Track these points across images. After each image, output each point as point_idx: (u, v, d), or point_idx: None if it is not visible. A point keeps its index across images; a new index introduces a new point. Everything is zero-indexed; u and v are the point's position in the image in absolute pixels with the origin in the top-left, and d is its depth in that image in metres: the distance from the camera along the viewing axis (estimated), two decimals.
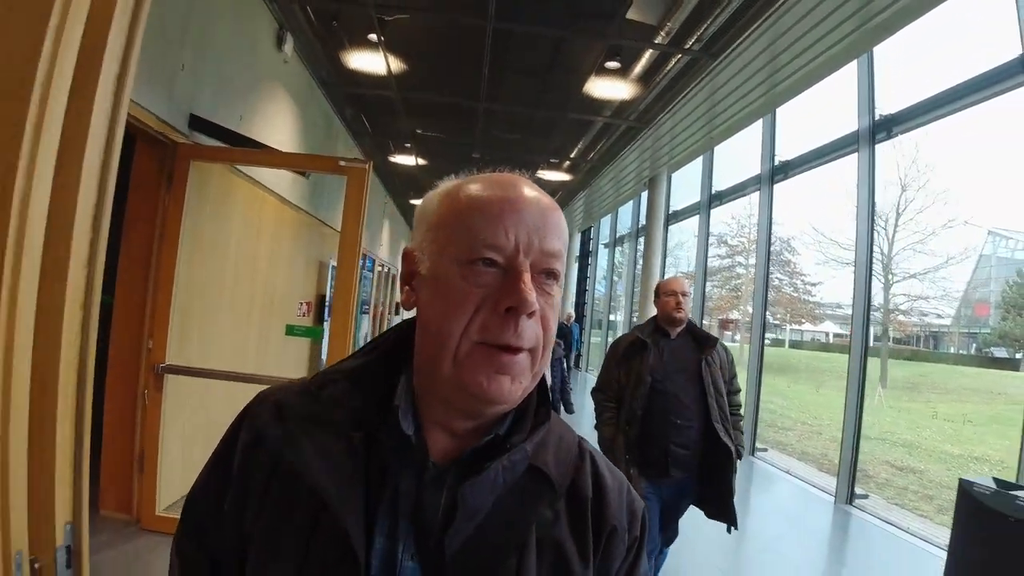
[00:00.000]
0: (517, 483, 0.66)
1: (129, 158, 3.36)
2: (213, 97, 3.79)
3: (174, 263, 3.42)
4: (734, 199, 9.16)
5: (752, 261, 9.56)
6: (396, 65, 5.80)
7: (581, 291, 17.59)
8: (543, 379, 0.70)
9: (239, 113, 4.20)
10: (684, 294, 2.88)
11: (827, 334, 14.09)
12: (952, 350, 11.06)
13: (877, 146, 5.80)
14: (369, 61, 5.68)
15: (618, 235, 14.98)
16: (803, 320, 13.67)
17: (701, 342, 2.91)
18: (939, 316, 10.63)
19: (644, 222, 10.62)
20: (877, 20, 4.35)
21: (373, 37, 5.13)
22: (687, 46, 4.90)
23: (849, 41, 4.74)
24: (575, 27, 4.94)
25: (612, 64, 5.39)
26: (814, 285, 12.92)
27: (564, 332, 11.31)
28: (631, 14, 4.51)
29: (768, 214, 7.68)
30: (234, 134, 3.73)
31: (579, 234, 17.62)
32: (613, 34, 4.89)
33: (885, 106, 5.71)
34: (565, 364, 5.86)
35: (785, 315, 13.38)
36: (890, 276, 9.11)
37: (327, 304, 6.71)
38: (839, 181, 7.46)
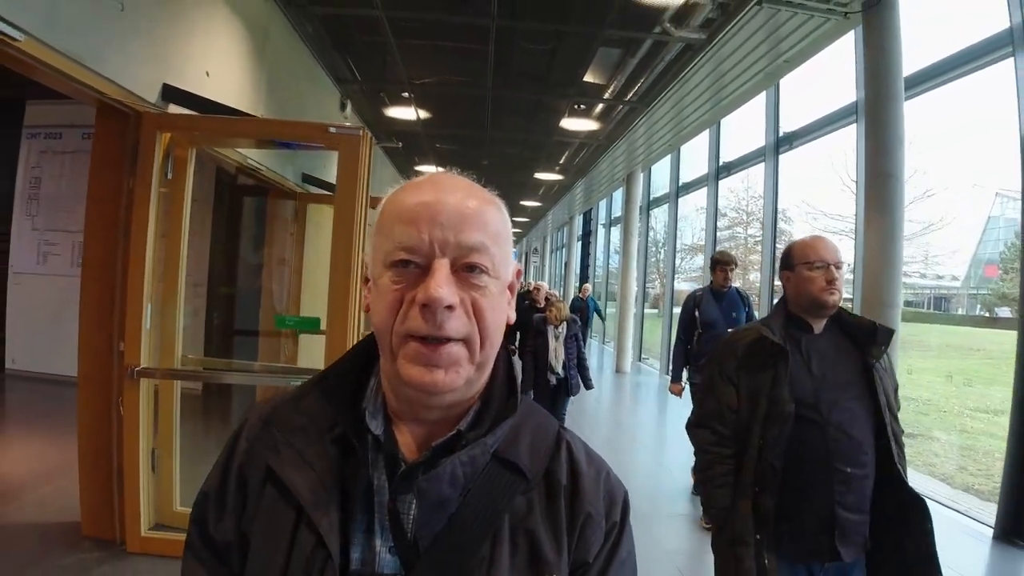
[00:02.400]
0: (487, 475, 0.68)
1: None
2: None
3: (143, 252, 2.97)
4: (740, 170, 9.07)
5: (751, 232, 10.37)
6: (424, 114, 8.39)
7: (584, 266, 19.03)
8: (512, 372, 0.75)
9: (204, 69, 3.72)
10: (838, 265, 1.81)
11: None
12: (961, 311, 10.75)
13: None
14: (403, 112, 8.08)
15: (613, 216, 16.04)
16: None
17: (861, 337, 1.82)
18: (954, 278, 10.19)
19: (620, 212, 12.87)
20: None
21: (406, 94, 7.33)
22: (627, 99, 7.21)
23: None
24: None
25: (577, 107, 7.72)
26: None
27: (578, 307, 11.34)
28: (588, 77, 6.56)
29: (774, 184, 7.62)
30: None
31: (580, 216, 19.08)
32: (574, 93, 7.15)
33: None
34: (582, 339, 5.61)
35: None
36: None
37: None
38: (832, 154, 7.40)
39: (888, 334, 1.76)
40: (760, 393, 1.79)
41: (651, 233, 13.06)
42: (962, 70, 4.86)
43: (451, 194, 0.67)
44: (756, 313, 4.52)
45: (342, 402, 0.71)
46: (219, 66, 3.81)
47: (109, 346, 3.06)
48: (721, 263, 4.50)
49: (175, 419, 3.33)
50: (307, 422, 0.71)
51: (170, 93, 3.15)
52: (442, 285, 0.62)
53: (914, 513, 1.72)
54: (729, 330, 3.76)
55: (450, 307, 0.63)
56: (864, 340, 1.80)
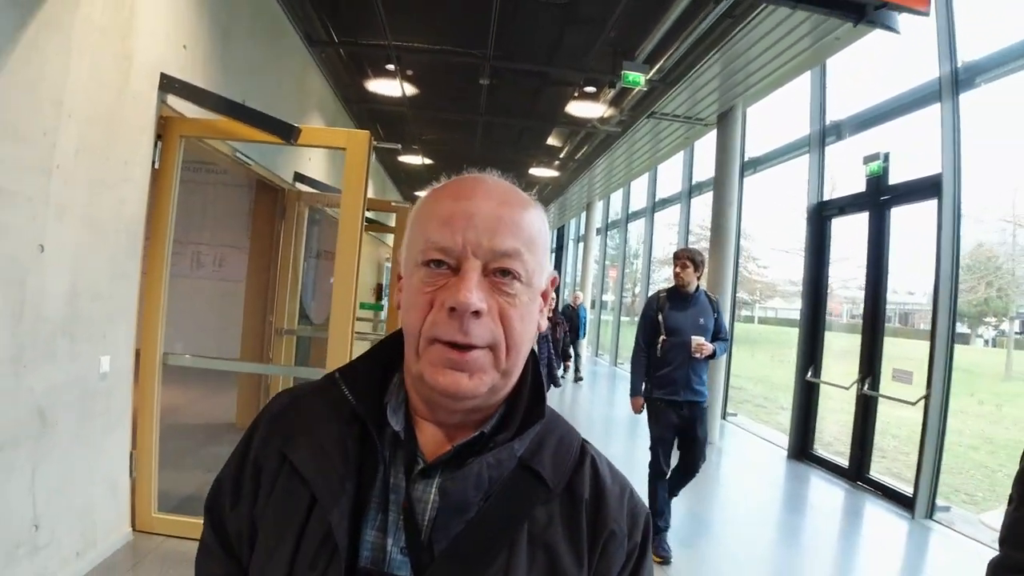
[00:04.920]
0: (509, 482, 0.66)
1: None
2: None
3: (288, 264, 5.48)
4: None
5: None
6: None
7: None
8: (539, 381, 0.73)
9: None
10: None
11: (775, 310, 17.19)
12: (923, 327, 10.92)
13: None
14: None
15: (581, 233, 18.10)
16: (756, 297, 16.64)
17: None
18: (910, 293, 11.25)
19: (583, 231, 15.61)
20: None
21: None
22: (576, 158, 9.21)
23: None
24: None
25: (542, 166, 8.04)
26: (765, 268, 16.13)
27: (570, 314, 11.69)
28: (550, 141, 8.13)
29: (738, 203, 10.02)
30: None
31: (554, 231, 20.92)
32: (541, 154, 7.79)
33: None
34: (553, 342, 6.95)
35: (752, 293, 16.28)
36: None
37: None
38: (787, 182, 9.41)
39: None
40: None
41: (626, 245, 15.07)
42: (780, 160, 7.55)
43: (489, 197, 0.67)
44: (726, 320, 4.12)
45: (365, 396, 0.70)
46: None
47: (263, 316, 5.53)
48: (674, 257, 4.01)
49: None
50: (328, 413, 0.71)
51: (299, 177, 5.65)
52: (471, 290, 0.62)
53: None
54: (693, 338, 3.81)
55: (477, 313, 0.62)
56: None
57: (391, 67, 6.53)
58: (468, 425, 0.69)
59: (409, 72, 6.83)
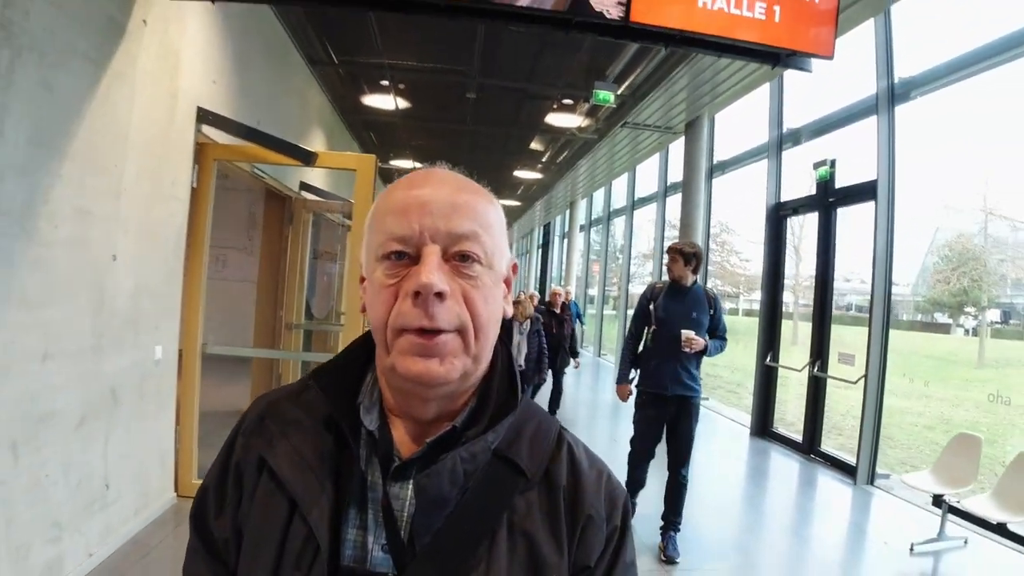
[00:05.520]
0: (486, 473, 0.67)
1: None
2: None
3: (296, 265, 6.06)
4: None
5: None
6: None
7: (544, 272, 21.43)
8: (512, 371, 0.74)
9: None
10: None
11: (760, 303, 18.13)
12: (905, 317, 11.41)
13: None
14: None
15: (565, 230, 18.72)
16: (739, 289, 17.42)
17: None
18: (894, 284, 11.13)
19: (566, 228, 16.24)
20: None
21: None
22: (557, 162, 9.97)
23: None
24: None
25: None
26: (748, 261, 16.90)
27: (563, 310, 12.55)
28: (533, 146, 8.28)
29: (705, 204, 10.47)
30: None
31: (540, 227, 21.92)
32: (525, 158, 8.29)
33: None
34: (561, 339, 6.83)
35: (736, 286, 16.98)
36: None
37: None
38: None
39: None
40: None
41: (611, 240, 15.69)
42: (746, 162, 8.20)
43: (442, 185, 0.68)
44: (724, 316, 4.04)
45: (339, 396, 0.71)
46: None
47: (273, 311, 6.10)
48: (668, 250, 3.99)
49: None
50: (303, 416, 0.71)
51: (304, 186, 6.22)
52: (432, 271, 0.62)
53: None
54: (683, 331, 3.72)
55: (440, 295, 0.63)
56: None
57: (385, 82, 7.10)
58: (442, 419, 0.69)
59: (401, 86, 7.40)
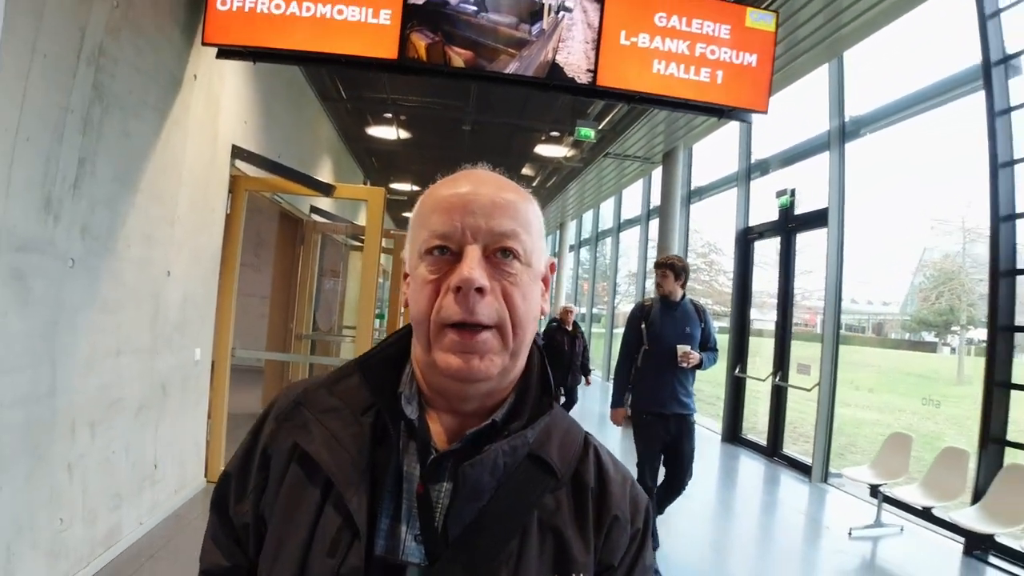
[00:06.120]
0: (520, 470, 0.69)
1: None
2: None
3: (307, 282, 6.67)
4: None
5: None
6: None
7: None
8: (546, 372, 0.76)
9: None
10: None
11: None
12: (893, 336, 11.95)
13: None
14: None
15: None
16: (727, 308, 18.07)
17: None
18: (884, 304, 11.74)
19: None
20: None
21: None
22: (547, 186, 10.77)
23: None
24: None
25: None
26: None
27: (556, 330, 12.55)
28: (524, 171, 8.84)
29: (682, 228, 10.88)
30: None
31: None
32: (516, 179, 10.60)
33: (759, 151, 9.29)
34: (573, 356, 6.95)
35: (725, 304, 17.53)
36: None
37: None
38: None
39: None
40: None
41: (600, 259, 16.55)
42: (721, 189, 8.91)
43: (484, 185, 0.70)
44: (715, 330, 3.99)
45: (381, 386, 0.73)
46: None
47: (285, 322, 6.70)
48: (655, 266, 3.98)
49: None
50: (341, 404, 0.73)
51: (314, 209, 6.86)
52: (474, 268, 0.64)
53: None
54: (679, 347, 3.70)
55: (480, 290, 0.64)
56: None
57: (388, 115, 7.79)
58: (479, 414, 0.71)
59: (403, 117, 8.09)
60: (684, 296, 3.90)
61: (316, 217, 6.83)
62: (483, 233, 0.67)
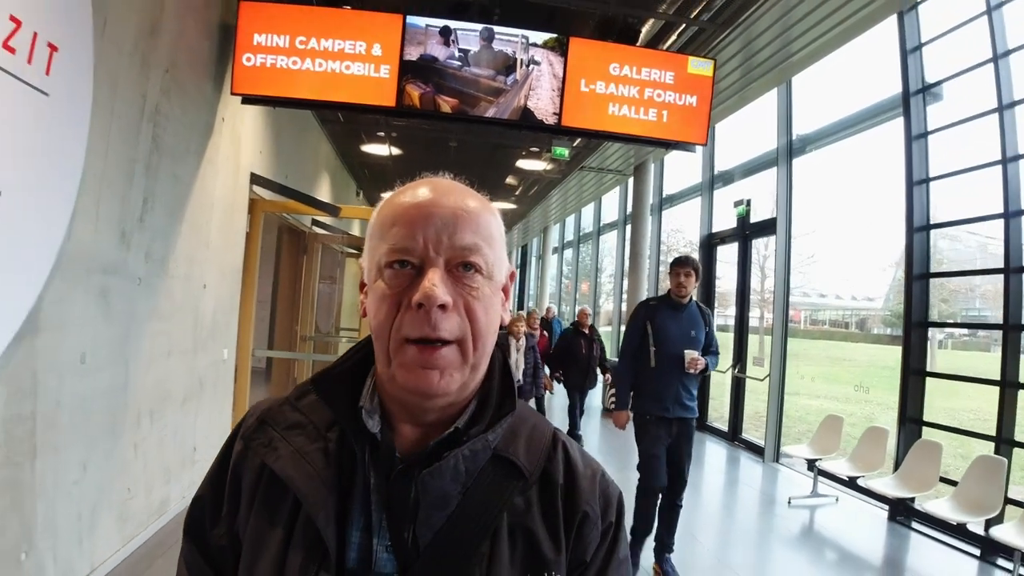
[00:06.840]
0: (486, 473, 0.69)
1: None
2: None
3: (311, 287, 7.37)
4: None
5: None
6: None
7: (520, 291, 22.52)
8: (509, 373, 0.76)
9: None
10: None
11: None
12: (876, 331, 12.15)
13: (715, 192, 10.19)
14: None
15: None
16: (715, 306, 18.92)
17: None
18: (869, 300, 12.00)
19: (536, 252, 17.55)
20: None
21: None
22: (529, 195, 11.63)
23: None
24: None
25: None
26: (719, 278, 18.18)
27: (547, 326, 12.01)
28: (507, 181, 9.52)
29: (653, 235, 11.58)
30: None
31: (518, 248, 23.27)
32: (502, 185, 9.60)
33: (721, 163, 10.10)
34: (590, 360, 7.10)
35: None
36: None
37: None
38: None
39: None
40: None
41: (583, 261, 17.37)
42: (690, 197, 9.69)
43: (445, 196, 0.68)
44: (716, 333, 3.86)
45: (340, 401, 0.72)
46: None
47: (290, 324, 7.38)
48: (675, 265, 3.73)
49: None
50: (305, 421, 0.73)
51: (316, 223, 7.55)
52: (436, 284, 0.64)
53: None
54: (687, 352, 3.58)
55: (443, 306, 0.64)
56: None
57: (381, 134, 8.48)
58: (442, 422, 0.70)
59: (394, 135, 8.78)
60: (691, 298, 3.77)
61: (316, 229, 7.51)
62: (445, 247, 0.66)
